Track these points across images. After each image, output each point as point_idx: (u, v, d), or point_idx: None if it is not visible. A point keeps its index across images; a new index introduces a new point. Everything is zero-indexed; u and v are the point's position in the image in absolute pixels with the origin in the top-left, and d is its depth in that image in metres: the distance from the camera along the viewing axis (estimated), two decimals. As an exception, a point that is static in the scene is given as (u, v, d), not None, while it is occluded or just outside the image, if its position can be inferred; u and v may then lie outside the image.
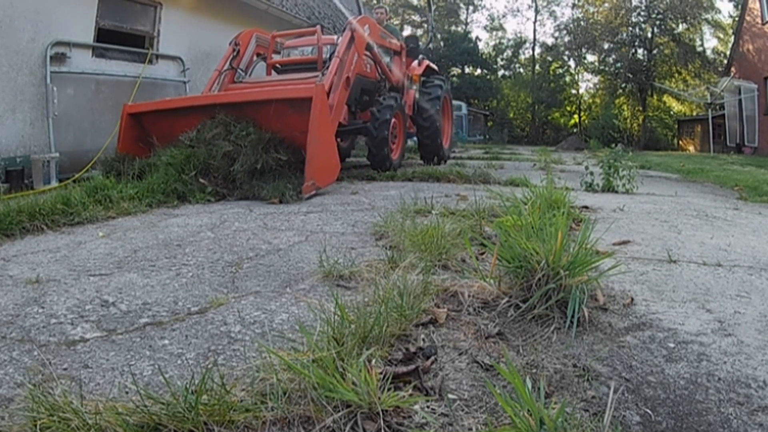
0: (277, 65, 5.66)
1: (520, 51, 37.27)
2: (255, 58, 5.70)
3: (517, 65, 37.61)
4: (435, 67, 7.52)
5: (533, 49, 36.20)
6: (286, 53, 5.60)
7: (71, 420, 0.83)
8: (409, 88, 6.71)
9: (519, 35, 39.46)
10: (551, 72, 34.39)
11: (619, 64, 30.57)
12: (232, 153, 3.76)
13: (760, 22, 16.49)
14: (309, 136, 3.62)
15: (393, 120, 5.47)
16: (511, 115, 34.95)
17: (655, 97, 31.29)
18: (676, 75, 30.23)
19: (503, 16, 54.09)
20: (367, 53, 5.50)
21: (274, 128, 3.89)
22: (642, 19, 29.82)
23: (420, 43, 7.23)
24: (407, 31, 31.68)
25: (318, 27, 5.46)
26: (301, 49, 5.49)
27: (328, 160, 3.96)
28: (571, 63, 34.62)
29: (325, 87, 4.07)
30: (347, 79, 4.69)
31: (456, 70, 34.33)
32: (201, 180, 3.75)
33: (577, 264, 1.39)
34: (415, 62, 7.07)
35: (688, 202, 3.87)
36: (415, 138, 7.38)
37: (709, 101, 20.05)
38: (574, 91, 35.22)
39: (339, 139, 7.53)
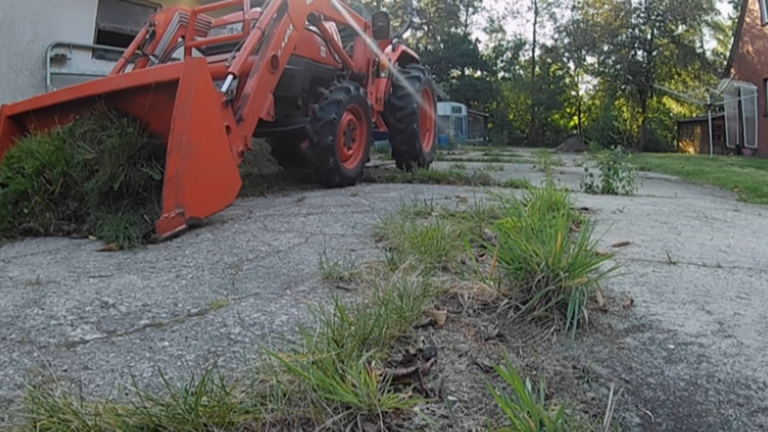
0: (201, 48, 4.55)
1: (520, 53, 37.50)
2: (180, 40, 4.60)
3: (516, 67, 37.78)
4: (414, 54, 6.37)
5: (533, 51, 36.38)
6: (214, 33, 4.53)
7: (71, 421, 0.83)
8: (378, 76, 5.41)
9: (519, 37, 39.69)
10: (551, 74, 34.50)
11: (618, 66, 30.67)
12: (93, 162, 2.62)
13: (759, 23, 16.54)
14: (172, 137, 2.45)
15: (348, 117, 4.47)
16: (511, 116, 35.04)
17: (654, 98, 31.38)
18: (676, 77, 30.34)
19: (503, 18, 54.64)
20: (313, 29, 4.36)
21: (159, 130, 2.72)
22: (642, 21, 29.93)
23: (401, 27, 6.17)
24: (406, 34, 31.75)
25: None
26: (231, 26, 4.37)
27: (213, 174, 2.72)
28: (571, 65, 34.80)
29: (205, 63, 2.78)
30: (274, 58, 3.49)
31: (456, 72, 34.40)
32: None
33: (577, 266, 1.39)
34: (389, 47, 5.91)
35: (688, 203, 3.87)
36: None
37: (708, 103, 20.11)
38: (573, 93, 35.34)
39: (305, 141, 6.10)
